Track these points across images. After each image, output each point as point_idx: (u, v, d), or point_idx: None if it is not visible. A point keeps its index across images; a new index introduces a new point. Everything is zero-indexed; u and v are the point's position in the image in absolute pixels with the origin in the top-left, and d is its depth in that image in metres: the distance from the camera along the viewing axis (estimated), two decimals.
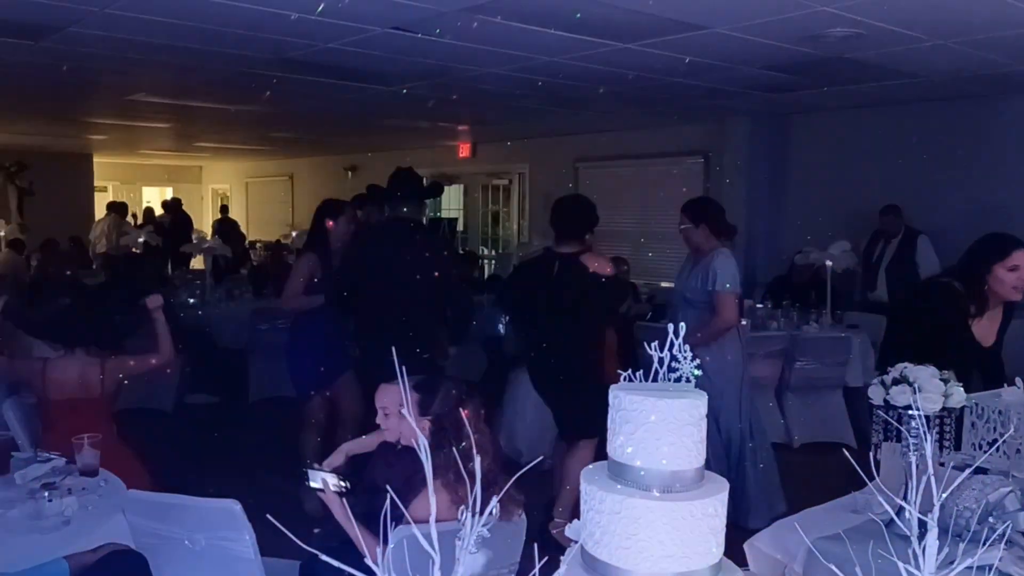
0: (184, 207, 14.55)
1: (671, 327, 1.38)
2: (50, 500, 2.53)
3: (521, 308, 4.36)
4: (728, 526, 1.35)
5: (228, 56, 5.90)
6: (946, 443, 2.41)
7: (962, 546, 1.21)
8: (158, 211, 15.03)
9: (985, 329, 3.28)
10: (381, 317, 4.21)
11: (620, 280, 4.25)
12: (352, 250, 4.40)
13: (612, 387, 1.42)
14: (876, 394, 2.42)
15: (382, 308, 4.22)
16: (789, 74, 6.28)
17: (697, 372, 1.41)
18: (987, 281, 3.20)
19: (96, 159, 15.67)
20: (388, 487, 1.68)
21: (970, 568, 1.19)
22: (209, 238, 9.69)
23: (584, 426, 3.99)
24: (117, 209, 13.49)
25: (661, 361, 1.41)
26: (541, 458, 1.34)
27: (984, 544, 1.30)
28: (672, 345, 1.39)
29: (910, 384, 2.33)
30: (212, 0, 4.41)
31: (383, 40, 5.24)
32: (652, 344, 1.42)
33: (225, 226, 13.35)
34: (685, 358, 1.39)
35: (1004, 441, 2.57)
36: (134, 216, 14.88)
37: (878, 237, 7.41)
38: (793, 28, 4.83)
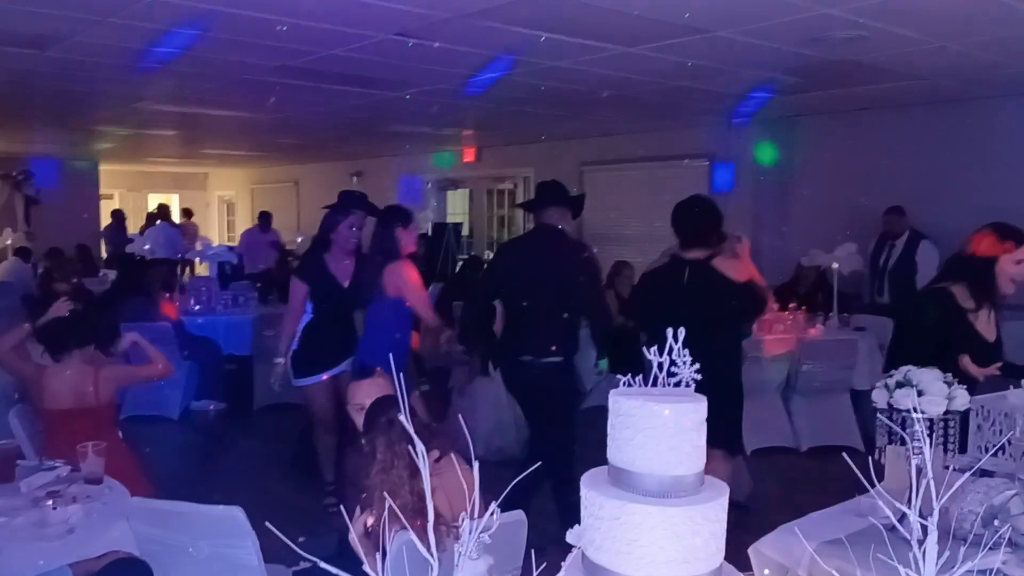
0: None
1: (670, 331, 1.38)
2: (55, 508, 2.54)
3: (653, 320, 3.98)
4: (729, 531, 1.35)
5: (233, 63, 5.93)
6: (951, 446, 2.39)
7: (963, 549, 1.21)
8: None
9: (986, 324, 3.30)
10: (527, 322, 4.18)
11: (756, 286, 4.07)
12: (500, 257, 4.38)
13: (611, 392, 1.42)
14: (880, 397, 2.41)
15: (528, 313, 4.17)
16: (793, 77, 6.28)
17: (697, 376, 1.41)
18: (993, 272, 3.22)
19: (102, 167, 15.73)
20: (387, 497, 1.68)
21: (971, 572, 1.18)
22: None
23: (722, 435, 3.96)
24: (114, 216, 14.00)
25: (660, 366, 1.40)
26: (539, 463, 1.34)
27: (985, 547, 1.29)
28: (671, 350, 1.39)
29: (914, 387, 2.31)
30: (217, 9, 4.43)
31: (387, 46, 5.25)
32: (651, 349, 1.41)
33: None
34: (684, 363, 1.39)
35: (1009, 443, 2.56)
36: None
37: (884, 239, 7.40)
38: (796, 31, 4.83)
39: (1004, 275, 3.23)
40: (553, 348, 4.07)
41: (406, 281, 4.43)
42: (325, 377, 4.66)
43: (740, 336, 4.36)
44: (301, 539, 1.24)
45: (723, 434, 4.02)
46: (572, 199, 4.40)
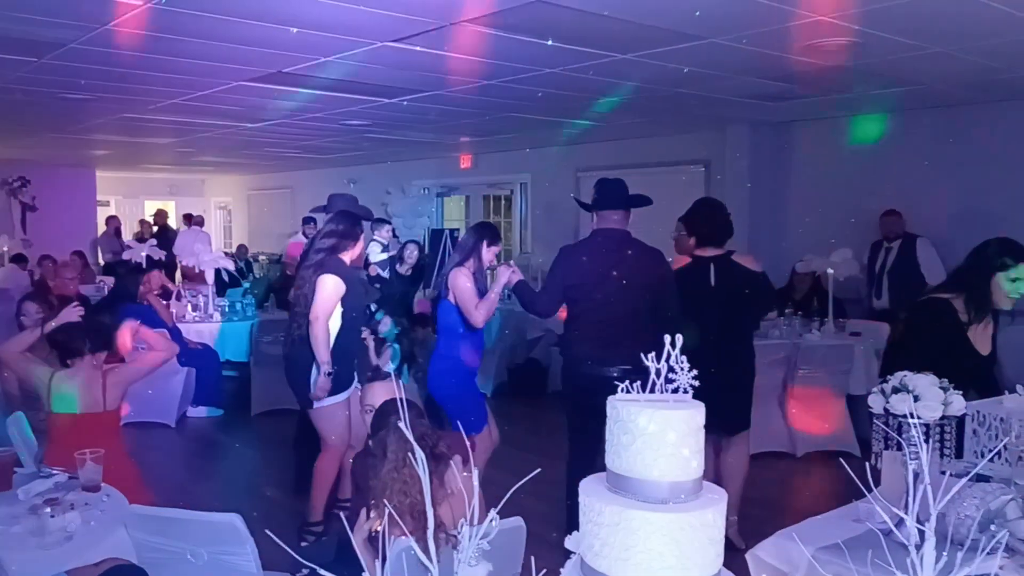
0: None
1: (667, 338, 1.39)
2: (53, 516, 2.54)
3: (687, 317, 4.09)
4: (727, 537, 1.35)
5: (228, 71, 5.94)
6: (947, 451, 2.40)
7: (960, 554, 1.21)
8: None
9: (982, 337, 3.29)
10: (598, 324, 4.09)
11: (765, 275, 4.52)
12: (564, 261, 4.27)
13: (610, 398, 1.42)
14: (876, 403, 2.42)
15: (600, 315, 4.09)
16: (788, 83, 6.30)
17: (695, 383, 1.42)
18: (989, 288, 3.22)
19: (98, 173, 15.72)
20: (387, 503, 1.68)
21: None
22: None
23: (745, 417, 4.43)
24: (109, 223, 14.08)
25: (658, 372, 1.41)
26: (539, 470, 1.34)
27: (982, 552, 1.30)
28: (669, 356, 1.40)
29: (909, 392, 2.32)
30: (212, 16, 4.43)
31: (382, 54, 5.27)
32: (649, 355, 1.42)
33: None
34: (682, 369, 1.40)
35: (1005, 448, 2.57)
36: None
37: (880, 243, 7.42)
38: (792, 38, 4.85)
39: (999, 291, 3.23)
40: (627, 354, 3.98)
41: (457, 285, 4.39)
42: (349, 393, 4.50)
43: (758, 320, 4.81)
44: (304, 543, 1.24)
45: (746, 417, 4.42)
46: (634, 199, 4.40)
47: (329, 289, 4.33)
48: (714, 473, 4.33)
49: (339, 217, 4.65)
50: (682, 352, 1.38)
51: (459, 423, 4.33)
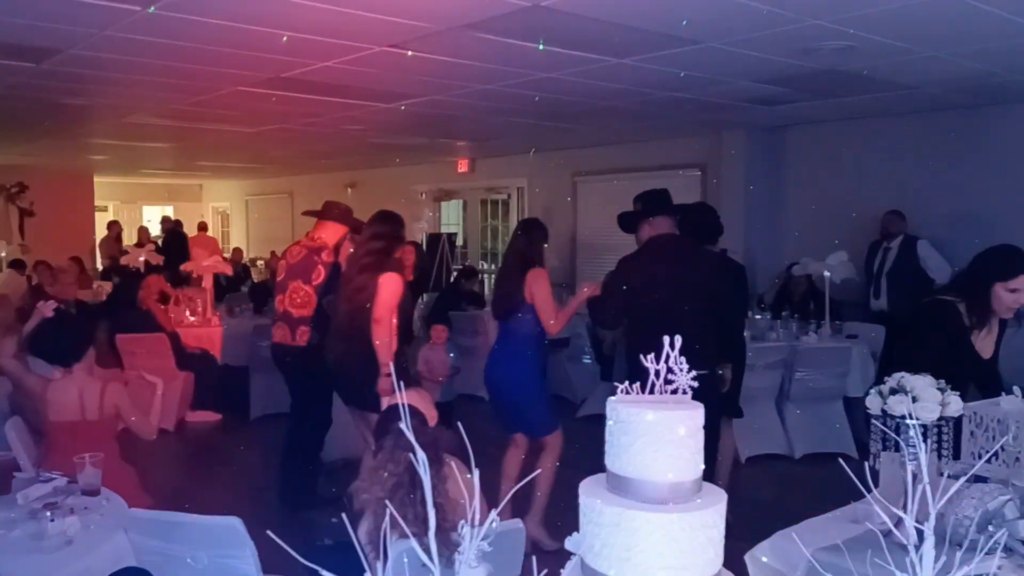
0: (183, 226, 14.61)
1: (667, 339, 1.40)
2: (52, 520, 2.54)
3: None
4: (727, 537, 1.36)
5: (226, 76, 5.95)
6: (944, 452, 2.41)
7: (959, 555, 1.22)
8: (154, 230, 15.14)
9: (984, 342, 3.29)
10: (665, 330, 4.03)
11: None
12: (629, 268, 4.22)
13: (609, 399, 1.43)
14: (874, 404, 2.43)
15: (667, 320, 4.04)
16: (783, 87, 6.32)
17: (694, 383, 1.42)
18: (988, 296, 3.20)
19: (96, 179, 15.72)
20: (388, 503, 1.69)
21: None
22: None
23: (735, 405, 4.71)
24: (110, 228, 14.08)
25: (658, 373, 1.42)
26: (535, 472, 1.34)
27: (981, 552, 1.30)
28: (668, 357, 1.41)
29: (907, 393, 2.33)
30: (210, 21, 4.44)
31: (380, 58, 5.28)
32: (648, 356, 1.43)
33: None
34: (681, 370, 1.41)
35: (1003, 449, 2.58)
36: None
37: (879, 243, 7.42)
38: (786, 42, 4.87)
39: (999, 301, 3.22)
40: (697, 361, 3.94)
41: (541, 287, 4.31)
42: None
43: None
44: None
45: (736, 403, 4.64)
46: (684, 207, 4.45)
47: (392, 288, 4.32)
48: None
49: (382, 219, 4.57)
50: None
51: (532, 424, 4.37)
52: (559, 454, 4.35)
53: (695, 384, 1.42)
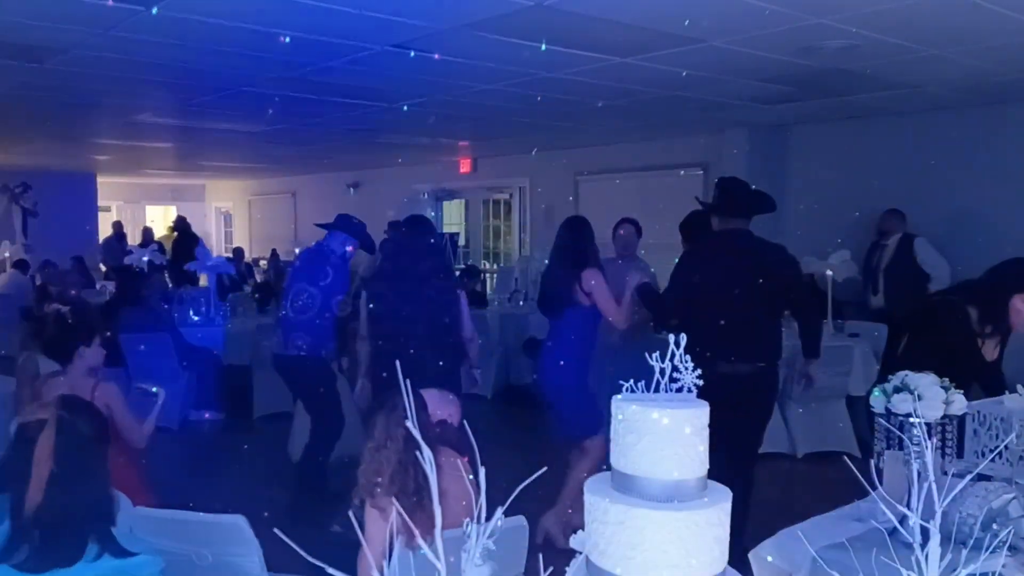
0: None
1: (672, 337, 1.40)
2: None
3: None
4: (732, 535, 1.36)
5: (230, 76, 5.95)
6: (948, 450, 2.41)
7: (965, 553, 1.22)
8: (159, 231, 15.14)
9: (991, 344, 3.29)
10: (728, 323, 3.98)
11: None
12: (692, 261, 4.26)
13: (614, 397, 1.43)
14: (878, 402, 2.43)
15: (729, 314, 3.98)
16: (786, 86, 6.32)
17: (699, 382, 1.42)
18: (1005, 309, 3.19)
19: (99, 179, 15.73)
20: (395, 501, 1.69)
21: (973, 575, 1.20)
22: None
23: None
24: (114, 228, 14.15)
25: (663, 371, 1.42)
26: (542, 471, 1.35)
27: (987, 551, 1.31)
28: (673, 355, 1.41)
29: (911, 392, 2.33)
30: (213, 21, 4.45)
31: (383, 58, 5.28)
32: (654, 355, 1.43)
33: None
34: (687, 368, 1.41)
35: (1006, 448, 2.57)
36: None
37: (877, 241, 7.41)
38: (789, 41, 4.87)
39: (1018, 314, 3.20)
40: (760, 353, 4.04)
41: (599, 284, 4.30)
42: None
43: None
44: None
45: None
46: (755, 202, 4.35)
47: (467, 302, 4.43)
48: None
49: (418, 227, 4.50)
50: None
51: (578, 425, 4.33)
52: (597, 462, 4.21)
53: (700, 382, 1.42)
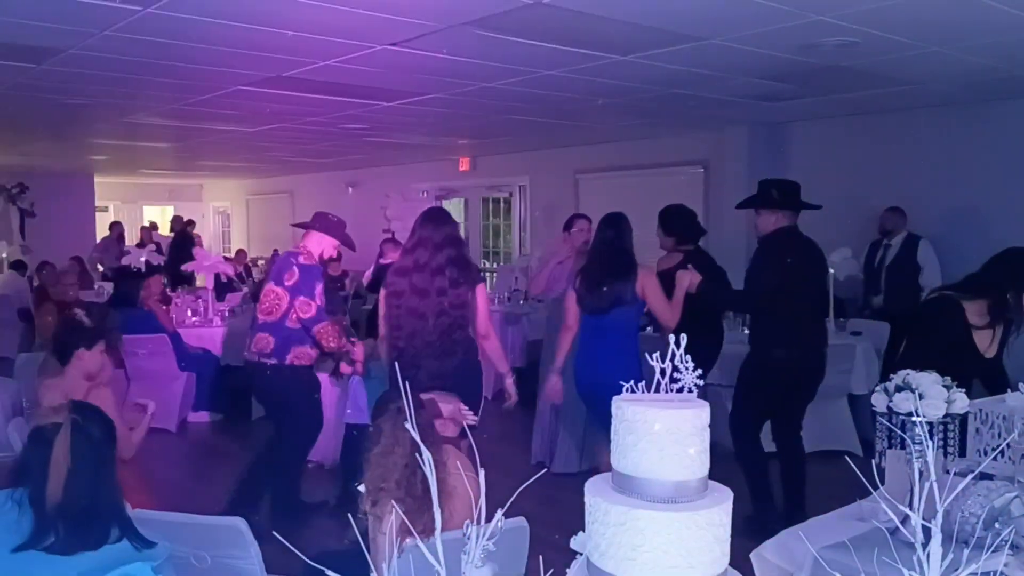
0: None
1: (671, 338, 1.39)
2: None
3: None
4: (733, 536, 1.35)
5: (227, 75, 5.94)
6: (950, 449, 2.40)
7: (967, 552, 1.21)
8: (162, 229, 15.14)
9: (987, 340, 3.28)
10: (804, 322, 4.45)
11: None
12: (769, 257, 4.46)
13: (615, 398, 1.42)
14: (879, 401, 2.42)
15: (802, 307, 4.42)
16: (786, 83, 6.31)
17: (699, 382, 1.42)
18: (1005, 299, 3.20)
19: (97, 179, 15.72)
20: (395, 505, 1.68)
21: (975, 574, 1.19)
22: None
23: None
24: (113, 229, 14.05)
25: (663, 372, 1.41)
26: (542, 472, 1.34)
27: (988, 550, 1.30)
28: (674, 356, 1.40)
29: (913, 391, 2.32)
30: (210, 20, 4.44)
31: (381, 56, 5.27)
32: (653, 355, 1.42)
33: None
34: (687, 368, 1.40)
35: (1008, 446, 2.57)
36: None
37: (879, 239, 7.40)
38: (788, 38, 4.86)
39: (1018, 308, 3.21)
40: (822, 340, 4.50)
41: (653, 283, 4.42)
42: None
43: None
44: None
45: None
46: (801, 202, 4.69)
47: (485, 297, 4.26)
48: None
49: (435, 220, 4.25)
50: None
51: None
52: None
53: (700, 383, 1.41)
